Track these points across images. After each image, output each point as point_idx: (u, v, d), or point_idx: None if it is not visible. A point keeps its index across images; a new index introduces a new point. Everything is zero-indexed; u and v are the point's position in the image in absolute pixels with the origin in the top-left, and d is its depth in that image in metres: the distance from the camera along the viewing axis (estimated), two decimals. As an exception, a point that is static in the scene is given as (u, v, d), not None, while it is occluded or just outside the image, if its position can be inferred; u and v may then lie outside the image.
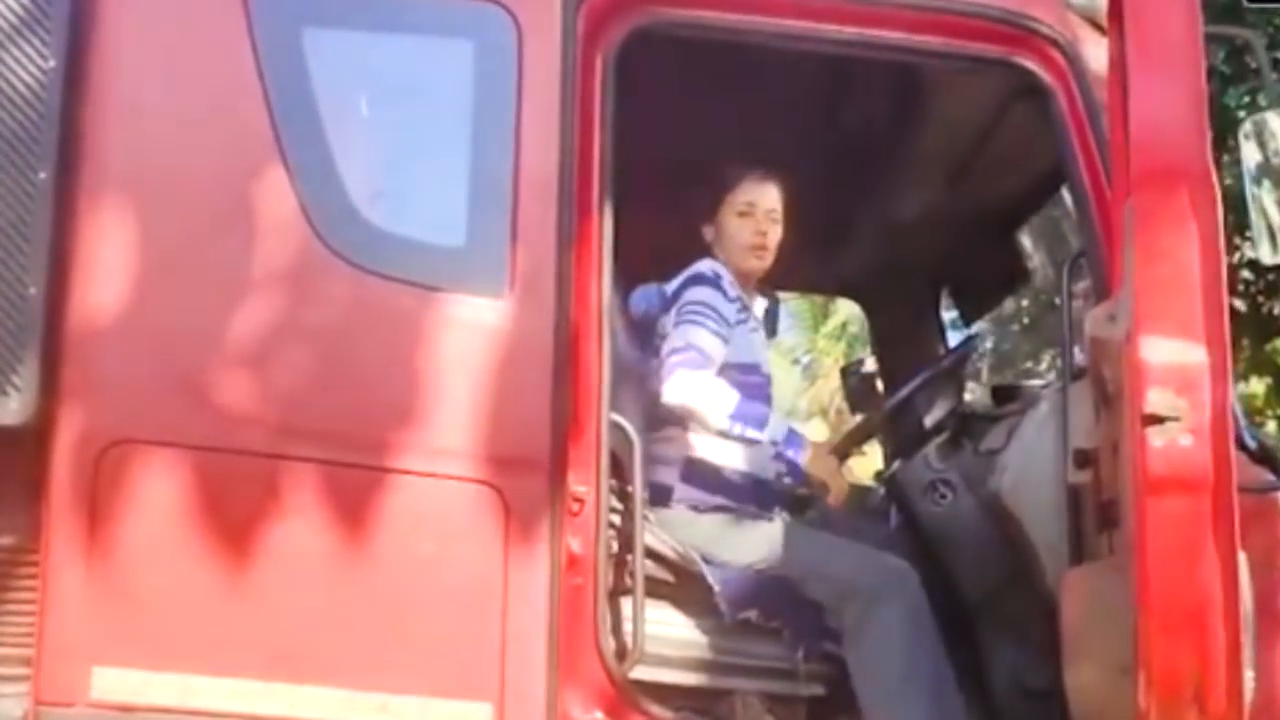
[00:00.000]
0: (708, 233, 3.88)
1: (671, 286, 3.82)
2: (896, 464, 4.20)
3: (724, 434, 3.65)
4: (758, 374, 3.83)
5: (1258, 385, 9.90)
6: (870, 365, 5.04)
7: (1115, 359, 2.80)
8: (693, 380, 3.61)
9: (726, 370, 3.71)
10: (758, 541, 3.56)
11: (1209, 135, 2.66)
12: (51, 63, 3.07)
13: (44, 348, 3.00)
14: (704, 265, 3.79)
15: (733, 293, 3.76)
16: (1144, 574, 2.55)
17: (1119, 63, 2.97)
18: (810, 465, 3.71)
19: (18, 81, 3.06)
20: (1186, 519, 2.55)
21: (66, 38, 3.09)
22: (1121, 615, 2.62)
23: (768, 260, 3.86)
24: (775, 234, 3.86)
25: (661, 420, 3.71)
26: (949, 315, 5.63)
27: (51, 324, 3.02)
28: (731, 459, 3.69)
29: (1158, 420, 2.54)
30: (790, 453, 3.69)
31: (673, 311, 3.75)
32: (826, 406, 21.62)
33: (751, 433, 3.64)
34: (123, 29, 3.15)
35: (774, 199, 3.86)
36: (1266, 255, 3.05)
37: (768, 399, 3.84)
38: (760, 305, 3.96)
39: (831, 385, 21.11)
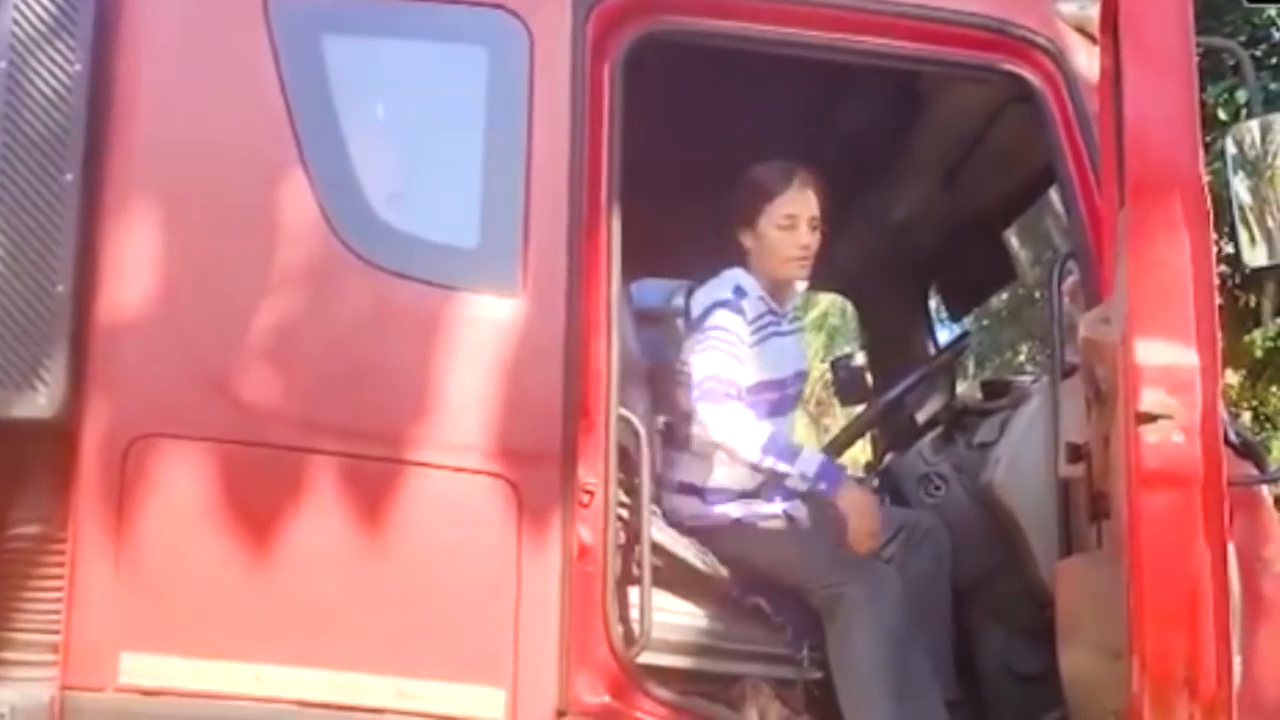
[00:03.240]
0: (745, 240, 3.81)
1: (698, 305, 3.78)
2: (890, 457, 4.31)
3: (755, 467, 3.60)
4: (786, 387, 3.82)
5: (1233, 377, 10.04)
6: (859, 359, 5.13)
7: (1109, 359, 2.90)
8: (723, 416, 3.57)
9: (751, 391, 3.69)
10: (752, 542, 3.65)
11: (1201, 146, 2.78)
12: (77, 67, 3.14)
13: (72, 344, 3.07)
14: (728, 286, 3.74)
15: (756, 311, 3.73)
16: (1137, 564, 2.66)
17: (1110, 72, 3.07)
18: (842, 500, 3.56)
19: (45, 86, 3.13)
20: (1178, 512, 2.66)
21: (91, 43, 3.15)
22: (1114, 603, 2.73)
23: (809, 267, 3.83)
24: (816, 240, 3.81)
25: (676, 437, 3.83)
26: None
27: (79, 321, 3.09)
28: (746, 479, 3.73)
29: (1151, 418, 2.65)
30: (822, 486, 3.56)
31: (694, 335, 3.75)
32: (808, 397, 21.59)
33: (782, 466, 3.54)
34: (146, 34, 3.22)
35: (814, 206, 3.78)
36: (1250, 259, 3.14)
37: (787, 403, 3.84)
38: (796, 296, 3.94)
39: (812, 376, 21.10)
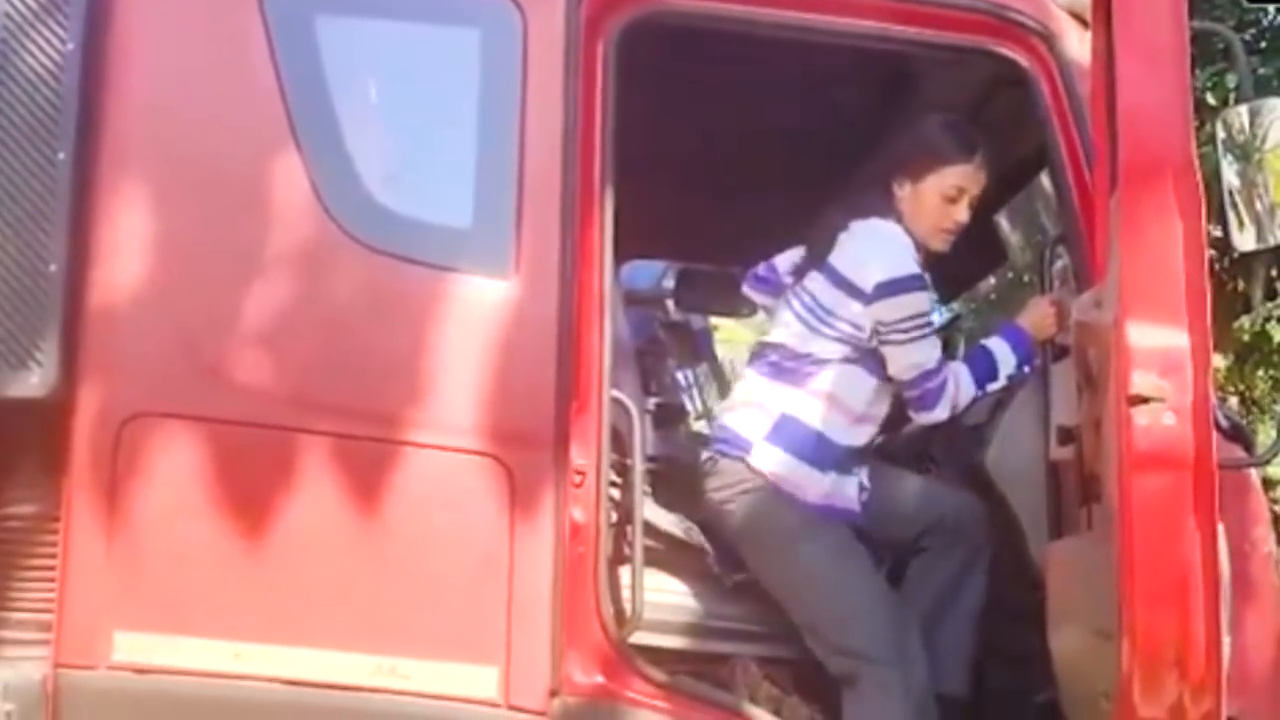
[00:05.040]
0: (900, 189, 3.65)
1: (865, 264, 3.54)
2: (882, 438, 4.32)
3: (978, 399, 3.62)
4: None
5: (1220, 361, 10.08)
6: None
7: (1101, 342, 2.93)
8: (943, 405, 3.56)
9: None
10: (803, 558, 3.53)
11: (1193, 130, 2.80)
12: (70, 46, 3.13)
13: (64, 323, 3.07)
14: (905, 254, 3.55)
15: (929, 285, 3.62)
16: (1128, 545, 2.69)
17: (1103, 56, 3.08)
18: (1034, 329, 3.62)
19: (37, 64, 3.12)
20: (1169, 493, 2.69)
21: (84, 21, 3.15)
22: (1103, 585, 2.76)
23: (950, 244, 3.71)
24: (967, 220, 3.72)
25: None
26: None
27: (71, 300, 3.08)
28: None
29: (1142, 400, 2.68)
30: (1026, 369, 3.63)
31: (876, 305, 3.52)
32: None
33: (996, 384, 3.62)
34: (139, 13, 3.22)
35: (981, 187, 3.69)
36: (1240, 244, 3.16)
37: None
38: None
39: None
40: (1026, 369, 3.65)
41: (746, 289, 4.04)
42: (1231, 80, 7.56)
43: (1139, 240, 2.77)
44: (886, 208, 3.65)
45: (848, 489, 3.59)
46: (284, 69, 3.21)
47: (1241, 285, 8.84)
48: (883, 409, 3.68)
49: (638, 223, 3.51)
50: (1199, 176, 2.76)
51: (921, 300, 3.55)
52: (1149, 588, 2.68)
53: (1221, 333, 9.24)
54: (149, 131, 3.20)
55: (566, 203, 3.24)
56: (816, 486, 3.55)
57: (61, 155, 3.11)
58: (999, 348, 3.62)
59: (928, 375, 3.55)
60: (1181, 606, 2.67)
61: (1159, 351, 2.71)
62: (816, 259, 3.67)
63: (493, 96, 3.29)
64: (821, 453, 3.56)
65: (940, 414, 3.59)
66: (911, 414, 3.68)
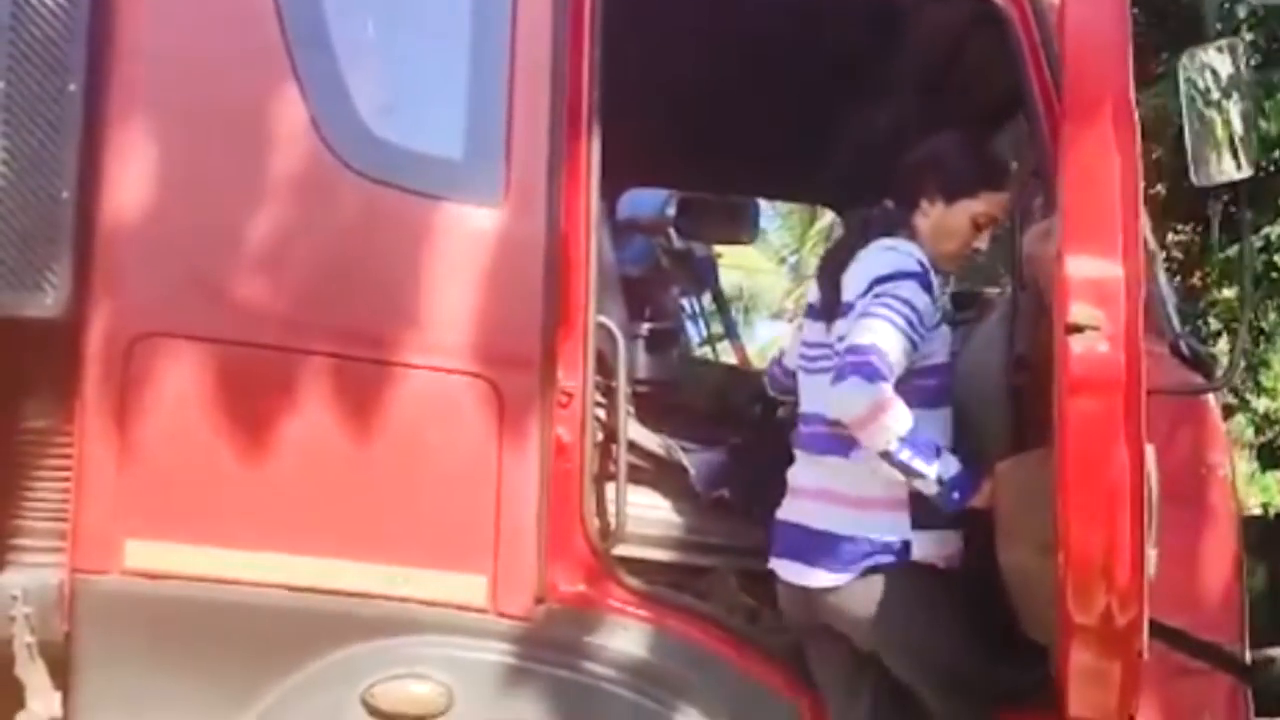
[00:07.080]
0: (930, 205, 3.42)
1: (862, 274, 3.30)
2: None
3: (886, 456, 3.13)
4: (941, 374, 3.39)
5: (1229, 292, 10.11)
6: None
7: (1048, 272, 3.05)
8: (866, 394, 3.09)
9: (911, 378, 3.24)
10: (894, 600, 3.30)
11: (1131, 69, 2.90)
12: (79, -19, 3.25)
13: (75, 246, 3.22)
14: (910, 257, 3.29)
15: (938, 292, 3.34)
16: (1064, 464, 2.82)
17: None
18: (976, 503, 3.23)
19: (48, -1, 3.25)
20: (1101, 416, 2.82)
21: None
22: (1045, 501, 2.89)
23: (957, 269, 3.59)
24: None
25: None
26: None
27: (82, 225, 3.23)
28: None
29: (1078, 329, 2.81)
30: (955, 496, 3.18)
31: (865, 297, 3.23)
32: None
33: (918, 464, 3.13)
34: (146, -52, 3.33)
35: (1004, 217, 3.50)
36: (1200, 179, 3.22)
37: (945, 393, 3.38)
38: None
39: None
40: (938, 491, 3.20)
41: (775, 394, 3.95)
42: (1241, 11, 7.58)
43: (1078, 174, 2.88)
44: (900, 223, 3.46)
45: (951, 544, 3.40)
46: (284, 2, 3.33)
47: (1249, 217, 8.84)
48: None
49: (635, 152, 3.61)
50: (1136, 112, 2.87)
51: (918, 293, 3.22)
52: (1082, 503, 2.81)
53: (1228, 265, 9.28)
54: (155, 64, 3.32)
55: (555, 133, 3.35)
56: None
57: (72, 87, 3.24)
58: (951, 460, 3.20)
59: (868, 351, 3.13)
60: (1110, 521, 2.80)
61: (1095, 282, 2.83)
62: (832, 306, 3.45)
63: (484, 26, 3.40)
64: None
65: (849, 391, 3.11)
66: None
